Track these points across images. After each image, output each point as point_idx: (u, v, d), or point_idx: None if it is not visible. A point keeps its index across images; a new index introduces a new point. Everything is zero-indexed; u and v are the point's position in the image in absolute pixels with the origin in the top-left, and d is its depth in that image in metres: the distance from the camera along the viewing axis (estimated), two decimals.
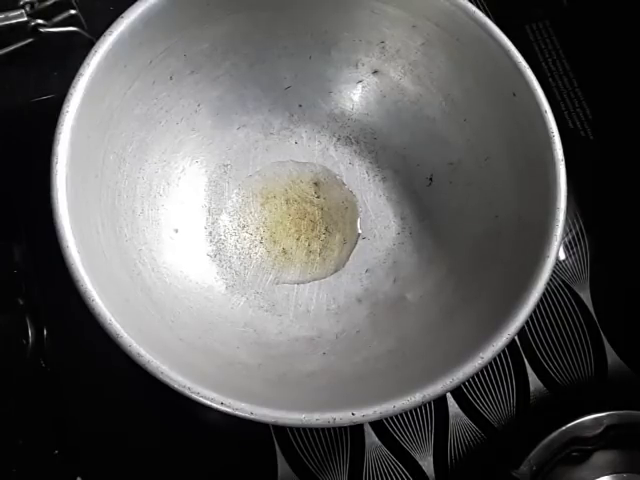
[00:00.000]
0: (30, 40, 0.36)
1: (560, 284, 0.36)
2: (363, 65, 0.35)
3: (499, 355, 0.35)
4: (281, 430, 0.32)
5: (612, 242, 0.38)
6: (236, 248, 0.33)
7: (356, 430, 0.33)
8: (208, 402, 0.24)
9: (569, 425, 0.31)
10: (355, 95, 0.35)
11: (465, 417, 0.33)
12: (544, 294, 0.34)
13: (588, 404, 0.32)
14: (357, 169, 0.35)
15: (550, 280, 0.27)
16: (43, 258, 0.33)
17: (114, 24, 0.28)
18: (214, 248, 0.33)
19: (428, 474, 0.32)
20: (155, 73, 0.31)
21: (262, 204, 0.34)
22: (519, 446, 0.31)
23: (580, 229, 0.38)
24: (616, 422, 0.31)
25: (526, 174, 0.30)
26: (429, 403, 0.33)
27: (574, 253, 0.37)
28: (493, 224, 0.31)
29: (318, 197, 0.35)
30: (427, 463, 0.32)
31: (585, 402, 0.34)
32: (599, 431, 0.31)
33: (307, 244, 0.34)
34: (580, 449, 0.31)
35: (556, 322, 0.35)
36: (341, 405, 0.24)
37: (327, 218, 0.34)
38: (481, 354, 0.25)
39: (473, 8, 0.30)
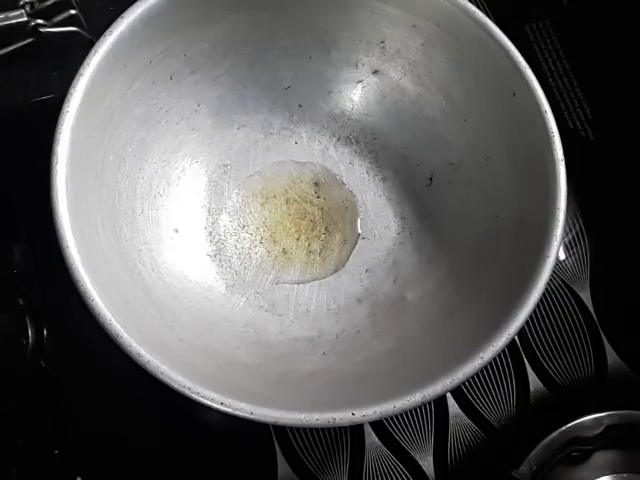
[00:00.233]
0: (30, 40, 0.36)
1: (560, 284, 0.36)
2: (363, 65, 0.35)
3: (499, 355, 0.35)
4: (281, 430, 0.32)
5: (612, 242, 0.38)
6: (236, 248, 0.33)
7: (356, 430, 0.33)
8: (208, 402, 0.24)
9: (569, 425, 0.31)
10: (355, 95, 0.35)
11: (465, 417, 0.33)
12: (544, 294, 0.34)
13: (588, 404, 0.32)
14: (357, 169, 0.35)
15: (550, 280, 0.27)
16: (43, 258, 0.33)
17: (114, 24, 0.28)
18: (214, 248, 0.33)
19: (428, 474, 0.32)
20: (155, 73, 0.31)
21: (262, 204, 0.34)
22: (519, 446, 0.31)
23: (580, 229, 0.38)
24: (616, 422, 0.31)
25: (526, 174, 0.30)
26: (429, 403, 0.33)
27: (574, 253, 0.37)
28: (493, 224, 0.31)
29: (318, 197, 0.35)
30: (427, 463, 0.32)
31: (585, 402, 0.34)
32: (599, 431, 0.31)
33: (307, 244, 0.34)
34: (580, 449, 0.31)
35: (556, 322, 0.35)
36: (341, 405, 0.24)
37: (327, 218, 0.34)
38: (481, 354, 0.25)
39: (473, 8, 0.30)
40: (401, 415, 0.33)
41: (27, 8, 0.35)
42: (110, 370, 0.31)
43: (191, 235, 0.33)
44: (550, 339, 0.35)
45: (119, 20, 0.28)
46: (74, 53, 0.36)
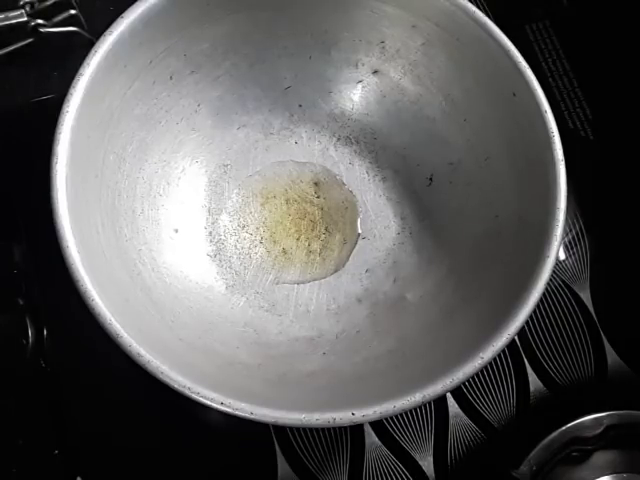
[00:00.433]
0: (30, 40, 0.36)
1: (560, 284, 0.36)
2: (363, 65, 0.35)
3: (499, 355, 0.35)
4: (281, 430, 0.32)
5: (612, 242, 0.38)
6: (236, 248, 0.33)
7: (356, 430, 0.33)
8: (208, 402, 0.24)
9: (569, 425, 0.31)
10: (355, 95, 0.35)
11: (465, 417, 0.33)
12: (544, 294, 0.34)
13: (588, 404, 0.32)
14: (357, 169, 0.35)
15: (550, 280, 0.27)
16: (43, 258, 0.33)
17: (114, 24, 0.28)
18: (214, 248, 0.33)
19: (428, 474, 0.32)
20: (155, 73, 0.31)
21: (262, 204, 0.34)
22: (519, 446, 0.31)
23: (580, 229, 0.38)
24: (616, 422, 0.31)
25: (526, 174, 0.30)
26: (429, 403, 0.33)
27: (574, 253, 0.37)
28: (493, 224, 0.31)
29: (318, 197, 0.35)
30: (427, 463, 0.32)
31: (585, 402, 0.34)
32: (599, 431, 0.31)
33: (307, 244, 0.34)
34: (580, 449, 0.31)
35: (556, 322, 0.35)
36: (341, 405, 0.24)
37: (327, 218, 0.34)
38: (481, 354, 0.25)
39: (473, 8, 0.30)
40: (401, 415, 0.33)
41: (27, 8, 0.35)
42: (110, 370, 0.31)
43: (191, 235, 0.33)
44: (550, 339, 0.35)
45: (119, 20, 0.28)
46: (74, 53, 0.36)
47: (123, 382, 0.31)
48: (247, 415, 0.24)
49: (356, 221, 0.35)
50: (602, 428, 0.31)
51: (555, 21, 0.41)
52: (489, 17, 0.30)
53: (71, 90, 0.27)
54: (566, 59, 0.41)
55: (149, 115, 0.31)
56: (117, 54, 0.28)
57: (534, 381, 0.34)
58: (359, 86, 0.35)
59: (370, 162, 0.35)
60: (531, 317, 0.35)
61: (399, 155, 0.35)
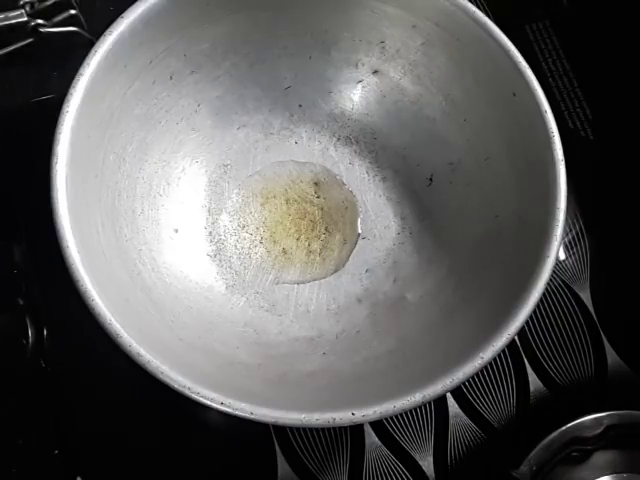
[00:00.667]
0: (30, 40, 0.36)
1: (560, 284, 0.36)
2: (363, 65, 0.35)
3: (499, 355, 0.35)
4: (281, 430, 0.32)
5: (612, 242, 0.38)
6: (236, 248, 0.33)
7: (356, 430, 0.33)
8: (208, 402, 0.24)
9: (569, 425, 0.31)
10: (355, 95, 0.35)
11: (465, 417, 0.33)
12: (544, 294, 0.34)
13: (588, 404, 0.33)
14: (357, 169, 0.35)
15: (550, 280, 0.27)
16: (43, 258, 0.33)
17: (114, 24, 0.28)
18: (214, 248, 0.33)
19: (428, 474, 0.32)
20: (155, 73, 0.31)
21: (262, 204, 0.34)
22: (519, 446, 0.31)
23: (580, 229, 0.38)
24: (616, 422, 0.31)
25: (526, 174, 0.30)
26: (429, 403, 0.33)
27: (574, 253, 0.37)
28: (493, 224, 0.31)
29: (318, 197, 0.35)
30: (427, 463, 0.32)
31: (585, 402, 0.34)
32: (599, 431, 0.31)
33: (307, 244, 0.34)
34: (580, 449, 0.31)
35: (556, 322, 0.35)
36: (341, 405, 0.24)
37: (327, 218, 0.34)
38: (481, 354, 0.25)
39: (473, 8, 0.30)
40: (401, 415, 0.33)
41: (27, 8, 0.35)
42: (110, 370, 0.31)
43: (191, 235, 0.33)
44: (550, 339, 0.35)
45: (119, 20, 0.28)
46: (74, 53, 0.36)
47: (123, 382, 0.31)
48: (247, 415, 0.24)
49: (356, 221, 0.35)
50: (602, 428, 0.31)
51: (555, 21, 0.41)
52: (489, 17, 0.30)
53: (71, 90, 0.27)
54: (566, 59, 0.41)
55: (149, 115, 0.31)
56: (117, 54, 0.28)
57: (534, 381, 0.34)
58: (359, 86, 0.35)
59: (370, 162, 0.35)
60: (531, 317, 0.35)
61: (399, 155, 0.35)
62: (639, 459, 0.32)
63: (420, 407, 0.33)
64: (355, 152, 0.36)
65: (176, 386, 0.24)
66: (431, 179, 0.34)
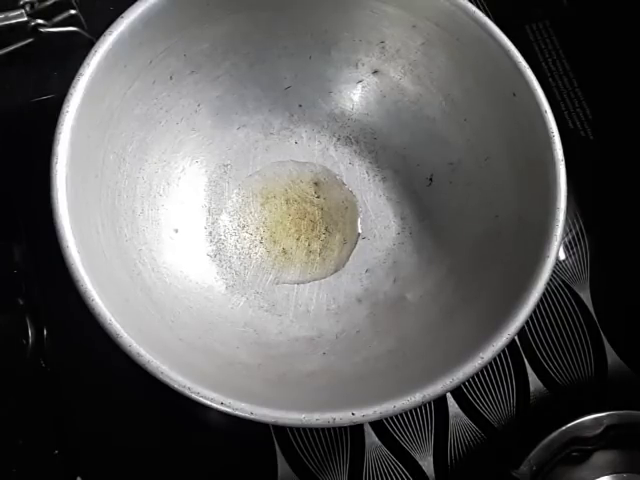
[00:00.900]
0: (30, 40, 0.36)
1: (560, 284, 0.36)
2: (363, 65, 0.35)
3: (499, 355, 0.35)
4: (281, 430, 0.32)
5: (612, 242, 0.38)
6: (236, 248, 0.33)
7: (356, 430, 0.33)
8: (208, 402, 0.24)
9: (569, 425, 0.31)
10: (355, 95, 0.35)
11: (465, 417, 0.33)
12: (544, 294, 0.34)
13: (588, 404, 0.33)
14: (357, 169, 0.35)
15: (550, 280, 0.27)
16: (43, 258, 0.33)
17: (114, 24, 0.28)
18: (214, 248, 0.33)
19: (428, 474, 0.32)
20: (155, 73, 0.31)
21: (262, 204, 0.34)
22: (519, 446, 0.31)
23: (580, 229, 0.38)
24: (616, 422, 0.31)
25: (526, 174, 0.30)
26: (429, 403, 0.33)
27: (574, 253, 0.37)
28: (493, 224, 0.31)
29: (318, 197, 0.35)
30: (427, 463, 0.32)
31: (585, 402, 0.34)
32: (599, 431, 0.31)
33: (307, 244, 0.34)
34: (580, 449, 0.31)
35: (556, 322, 0.35)
36: (341, 405, 0.24)
37: (327, 218, 0.34)
38: (481, 354, 0.25)
39: (473, 8, 0.30)
40: (401, 415, 0.33)
41: (27, 8, 0.35)
42: (110, 370, 0.31)
43: (191, 235, 0.33)
44: (550, 339, 0.35)
45: (119, 20, 0.28)
46: (74, 53, 0.36)
47: (123, 382, 0.31)
48: (247, 415, 0.24)
49: (356, 221, 0.35)
50: (602, 428, 0.31)
51: (555, 21, 0.41)
52: (489, 17, 0.30)
53: (71, 90, 0.27)
54: (566, 59, 0.41)
55: (149, 115, 0.31)
56: (117, 54, 0.28)
57: (534, 381, 0.34)
58: (359, 86, 0.35)
59: (370, 162, 0.35)
60: (531, 317, 0.35)
61: (399, 155, 0.35)
62: (639, 459, 0.32)
63: (420, 407, 0.33)
64: (355, 152, 0.36)
65: (176, 386, 0.24)
66: (431, 179, 0.34)
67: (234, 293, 0.32)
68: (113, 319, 0.24)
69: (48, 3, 0.36)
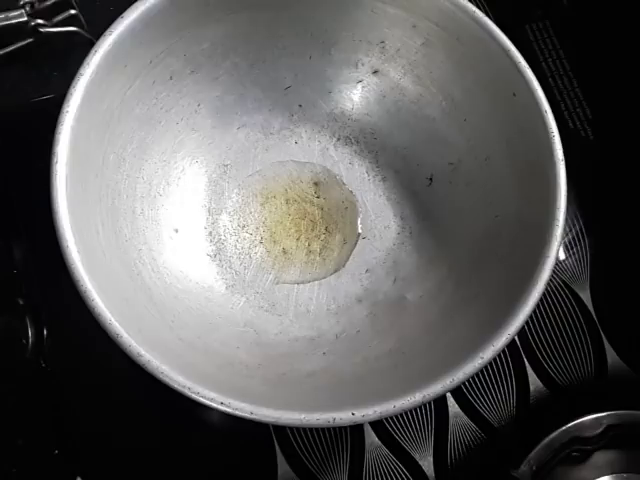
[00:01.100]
0: (30, 40, 0.36)
1: (560, 284, 0.36)
2: (363, 65, 0.35)
3: (499, 355, 0.35)
4: (281, 430, 0.32)
5: (612, 242, 0.38)
6: (236, 248, 0.33)
7: (356, 430, 0.33)
8: (208, 402, 0.24)
9: (569, 425, 0.31)
10: (355, 95, 0.35)
11: (465, 417, 0.33)
12: (544, 294, 0.34)
13: (588, 404, 0.32)
14: (357, 169, 0.35)
15: (550, 280, 0.27)
16: (43, 258, 0.33)
17: (114, 24, 0.28)
18: (214, 248, 0.33)
19: (428, 474, 0.32)
20: (155, 73, 0.31)
21: (262, 204, 0.34)
22: (519, 446, 0.31)
23: (580, 229, 0.38)
24: (616, 422, 0.31)
25: (526, 174, 0.30)
26: (429, 403, 0.33)
27: (574, 253, 0.37)
28: (493, 224, 0.31)
29: (318, 197, 0.35)
30: (427, 463, 0.32)
31: (585, 402, 0.34)
32: (599, 431, 0.31)
33: (307, 244, 0.34)
34: (580, 449, 0.31)
35: (556, 322, 0.35)
36: (341, 405, 0.24)
37: (327, 218, 0.34)
38: (481, 354, 0.25)
39: (473, 8, 0.30)
40: (401, 415, 0.33)
41: (27, 8, 0.35)
42: (110, 370, 0.31)
43: (191, 235, 0.33)
44: (550, 339, 0.35)
45: (119, 20, 0.28)
46: (74, 53, 0.36)
47: (123, 382, 0.31)
48: (247, 415, 0.24)
49: (356, 221, 0.35)
50: (602, 428, 0.31)
51: (555, 21, 0.41)
52: (489, 17, 0.30)
53: (71, 90, 0.27)
54: (566, 59, 0.41)
55: (149, 115, 0.31)
56: (117, 54, 0.28)
57: (534, 381, 0.34)
58: (359, 86, 0.35)
59: (370, 162, 0.35)
60: (531, 317, 0.35)
61: (399, 155, 0.35)
62: (639, 459, 0.32)
63: (420, 407, 0.33)
64: (355, 152, 0.36)
65: (176, 386, 0.24)
66: (431, 179, 0.34)
67: (234, 293, 0.32)
68: (113, 319, 0.24)
69: (48, 3, 0.36)
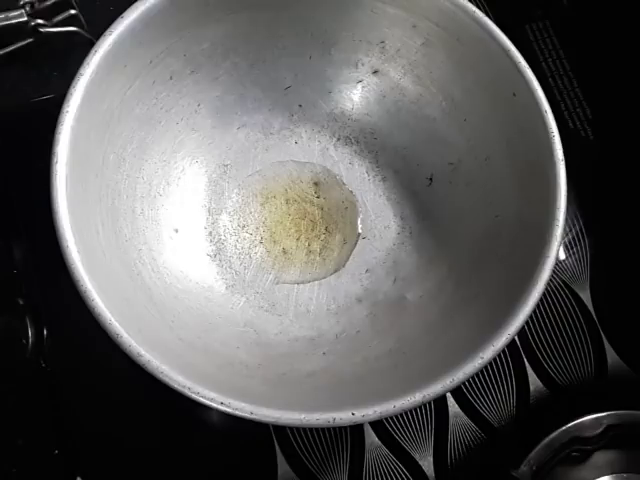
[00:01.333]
0: (30, 40, 0.36)
1: (560, 284, 0.36)
2: (363, 65, 0.35)
3: (499, 355, 0.35)
4: (281, 430, 0.32)
5: (612, 242, 0.38)
6: (236, 248, 0.33)
7: (356, 430, 0.33)
8: (208, 402, 0.24)
9: (569, 425, 0.31)
10: (355, 95, 0.35)
11: (465, 417, 0.33)
12: (544, 294, 0.34)
13: (588, 404, 0.32)
14: (357, 169, 0.35)
15: (550, 280, 0.27)
16: (43, 258, 0.33)
17: (114, 24, 0.28)
18: (214, 248, 0.33)
19: (428, 474, 0.32)
20: (155, 73, 0.31)
21: (262, 204, 0.34)
22: (519, 446, 0.31)
23: (580, 229, 0.38)
24: (616, 422, 0.31)
25: (526, 174, 0.30)
26: (429, 403, 0.33)
27: (574, 253, 0.37)
28: (493, 224, 0.31)
29: (318, 197, 0.35)
30: (427, 463, 0.32)
31: (585, 402, 0.34)
32: (599, 431, 0.31)
33: (307, 244, 0.34)
34: (580, 449, 0.31)
35: (556, 322, 0.35)
36: (341, 405, 0.24)
37: (327, 218, 0.34)
38: (481, 354, 0.25)
39: (473, 8, 0.30)
40: (401, 415, 0.33)
41: (27, 8, 0.35)
42: (110, 370, 0.31)
43: (191, 235, 0.33)
44: (550, 339, 0.35)
45: (119, 20, 0.28)
46: (74, 53, 0.36)
47: (123, 382, 0.31)
48: (247, 415, 0.24)
49: (356, 221, 0.35)
50: (602, 428, 0.31)
51: (555, 21, 0.41)
52: (489, 17, 0.30)
53: (71, 90, 0.27)
54: (566, 59, 0.41)
55: (149, 115, 0.31)
56: (117, 54, 0.28)
57: (534, 381, 0.34)
58: (359, 86, 0.35)
59: (370, 162, 0.35)
60: (531, 317, 0.35)
61: (399, 155, 0.35)
62: (639, 459, 0.32)
63: (420, 407, 0.33)
64: (355, 152, 0.36)
65: (176, 386, 0.24)
66: (431, 179, 0.34)
67: (234, 293, 0.32)
68: (113, 319, 0.24)
69: (48, 3, 0.36)
